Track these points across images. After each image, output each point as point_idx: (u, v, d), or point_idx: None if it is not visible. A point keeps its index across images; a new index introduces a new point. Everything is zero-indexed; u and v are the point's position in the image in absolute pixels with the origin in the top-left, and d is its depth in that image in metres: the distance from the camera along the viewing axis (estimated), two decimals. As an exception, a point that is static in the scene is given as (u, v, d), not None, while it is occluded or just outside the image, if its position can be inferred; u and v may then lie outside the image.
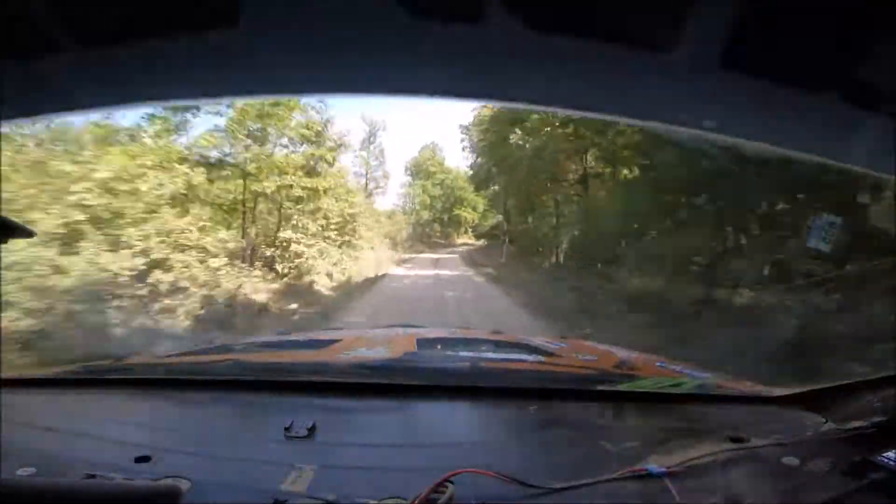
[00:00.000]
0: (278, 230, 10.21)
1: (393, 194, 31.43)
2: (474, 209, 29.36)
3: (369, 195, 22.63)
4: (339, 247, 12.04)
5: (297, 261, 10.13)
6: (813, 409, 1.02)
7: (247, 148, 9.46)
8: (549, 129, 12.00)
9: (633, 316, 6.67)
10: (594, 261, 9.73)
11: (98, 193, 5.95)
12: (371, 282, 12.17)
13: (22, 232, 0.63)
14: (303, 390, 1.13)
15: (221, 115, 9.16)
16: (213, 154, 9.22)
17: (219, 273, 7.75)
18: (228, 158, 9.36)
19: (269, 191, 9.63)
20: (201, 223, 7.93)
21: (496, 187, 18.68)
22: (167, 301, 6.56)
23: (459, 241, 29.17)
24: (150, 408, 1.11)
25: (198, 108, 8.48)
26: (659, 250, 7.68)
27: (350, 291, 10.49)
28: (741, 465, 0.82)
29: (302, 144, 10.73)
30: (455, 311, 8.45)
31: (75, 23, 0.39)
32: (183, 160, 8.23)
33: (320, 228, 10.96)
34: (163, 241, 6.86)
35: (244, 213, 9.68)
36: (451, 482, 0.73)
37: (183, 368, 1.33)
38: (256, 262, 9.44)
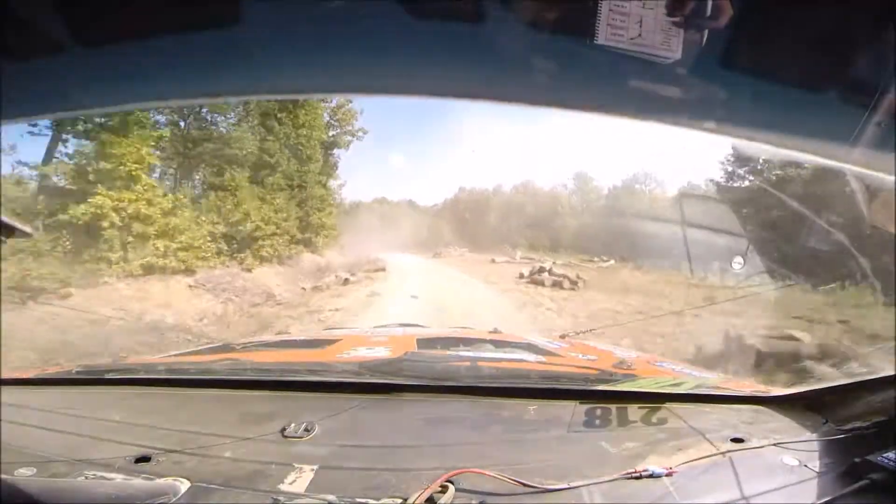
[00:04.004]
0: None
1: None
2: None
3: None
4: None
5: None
6: (813, 409, 1.02)
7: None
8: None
9: None
10: None
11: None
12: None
13: (21, 232, 0.63)
14: (302, 390, 1.12)
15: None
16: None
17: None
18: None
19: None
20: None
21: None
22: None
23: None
24: (150, 408, 1.11)
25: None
26: None
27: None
28: (741, 465, 0.82)
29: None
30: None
31: (75, 23, 0.39)
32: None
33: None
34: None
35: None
36: (451, 482, 0.73)
37: (183, 368, 1.33)
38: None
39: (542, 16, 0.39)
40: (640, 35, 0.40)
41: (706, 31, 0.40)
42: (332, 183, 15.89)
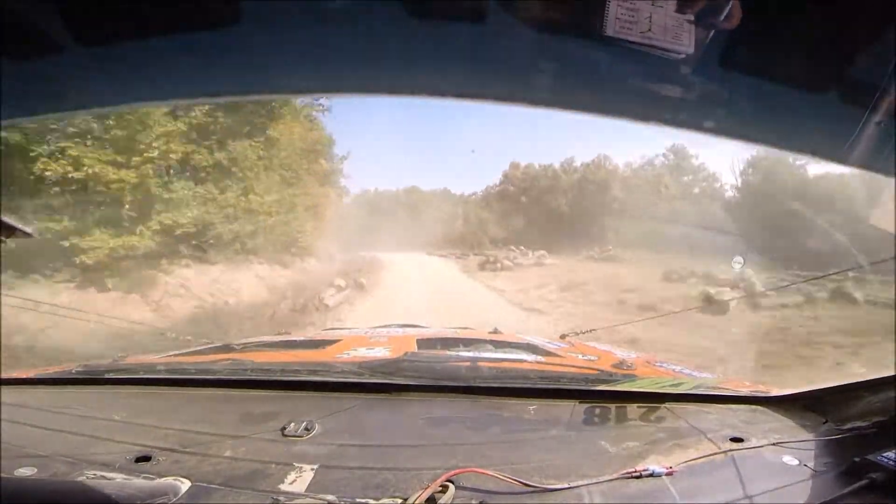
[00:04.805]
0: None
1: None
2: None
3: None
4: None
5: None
6: (813, 409, 1.02)
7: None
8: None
9: None
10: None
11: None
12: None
13: (21, 232, 0.64)
14: (303, 390, 1.13)
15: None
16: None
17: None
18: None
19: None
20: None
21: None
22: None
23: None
24: (150, 408, 1.11)
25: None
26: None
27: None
28: (741, 465, 0.82)
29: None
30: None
31: (75, 23, 0.39)
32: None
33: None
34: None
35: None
36: (452, 482, 0.73)
37: (183, 368, 1.33)
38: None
39: (543, 16, 0.39)
40: (649, 29, 0.40)
41: (712, 31, 0.40)
42: (333, 157, 10.80)
